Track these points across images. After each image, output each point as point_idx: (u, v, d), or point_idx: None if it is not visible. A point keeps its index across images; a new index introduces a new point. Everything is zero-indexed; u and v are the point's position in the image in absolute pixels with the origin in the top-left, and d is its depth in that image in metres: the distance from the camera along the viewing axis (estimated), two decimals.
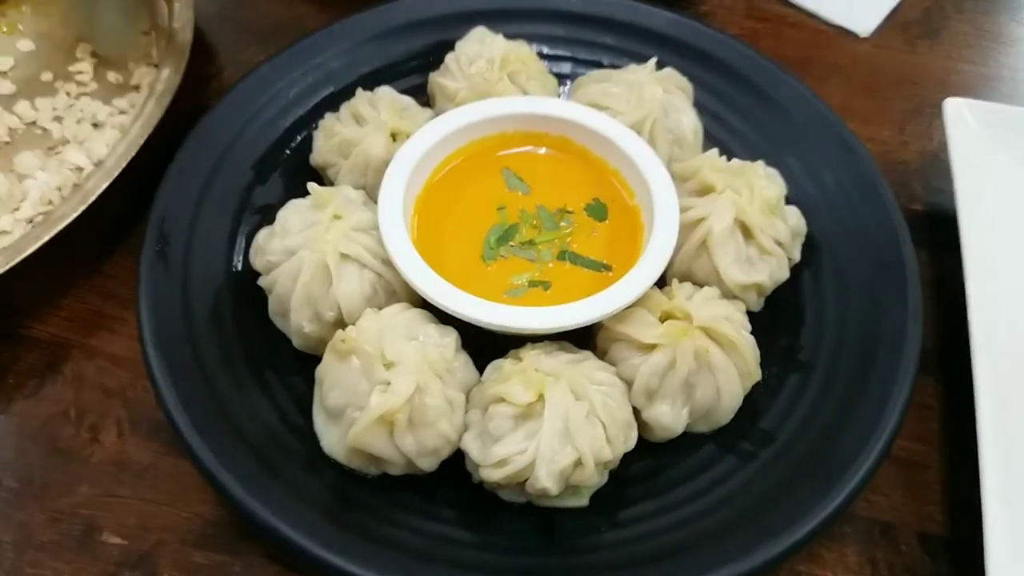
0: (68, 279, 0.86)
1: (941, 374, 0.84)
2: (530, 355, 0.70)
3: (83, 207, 0.82)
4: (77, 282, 0.86)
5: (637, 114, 0.83)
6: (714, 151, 0.81)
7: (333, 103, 0.88)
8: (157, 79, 0.92)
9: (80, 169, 0.90)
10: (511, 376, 0.68)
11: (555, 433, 0.65)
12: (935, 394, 0.82)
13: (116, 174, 0.84)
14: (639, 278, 0.73)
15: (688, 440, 0.73)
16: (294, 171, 0.87)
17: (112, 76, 1.01)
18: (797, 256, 0.81)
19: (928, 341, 0.85)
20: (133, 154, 0.85)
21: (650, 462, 0.73)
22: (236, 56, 1.07)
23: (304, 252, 0.72)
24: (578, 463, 0.65)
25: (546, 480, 0.65)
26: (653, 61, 0.87)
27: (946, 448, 0.79)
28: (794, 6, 1.13)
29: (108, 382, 0.80)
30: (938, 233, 0.92)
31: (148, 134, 0.87)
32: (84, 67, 1.01)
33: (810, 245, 0.83)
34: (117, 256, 0.88)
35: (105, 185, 0.83)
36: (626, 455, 0.70)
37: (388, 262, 0.74)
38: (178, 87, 0.91)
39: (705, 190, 0.79)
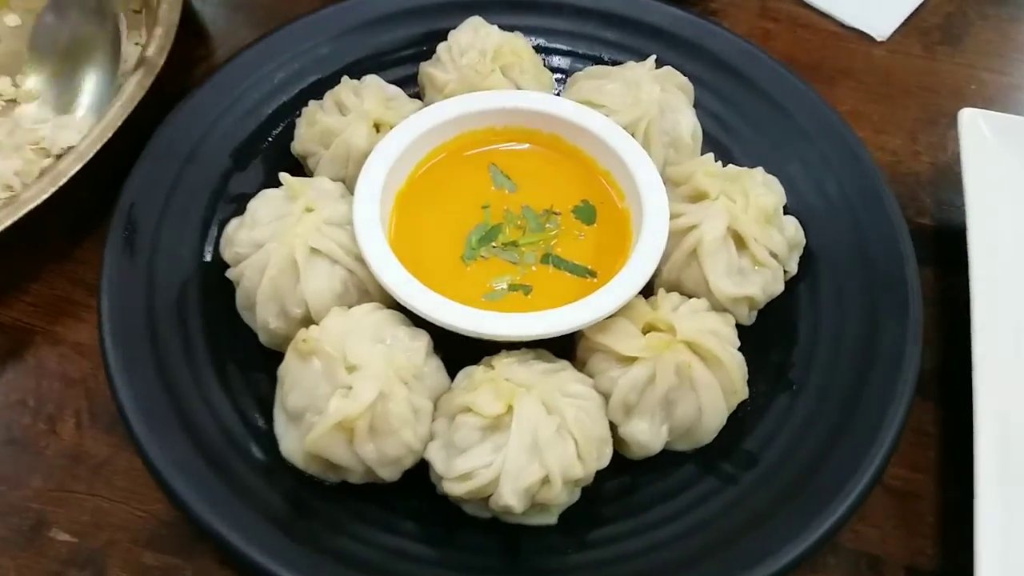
0: (37, 263, 0.84)
1: (942, 399, 0.79)
2: (502, 363, 0.66)
3: (53, 189, 0.79)
4: (47, 267, 0.84)
5: (632, 114, 0.80)
6: (709, 155, 0.77)
7: (319, 90, 0.85)
8: (141, 60, 0.89)
9: (45, 151, 0.87)
10: (480, 385, 0.64)
11: (522, 448, 0.62)
12: (934, 420, 0.78)
13: (89, 156, 0.81)
14: (622, 286, 0.70)
15: (667, 459, 0.70)
16: (275, 159, 0.84)
17: None
18: (794, 269, 0.77)
19: (930, 363, 0.81)
20: (108, 136, 0.82)
21: (625, 480, 0.69)
22: (228, 39, 1.04)
23: (272, 245, 0.69)
24: (545, 480, 0.62)
25: (510, 497, 0.61)
26: (652, 59, 0.84)
27: (943, 478, 0.75)
28: (809, 6, 1.08)
29: (70, 371, 0.78)
30: (946, 250, 0.87)
31: (126, 116, 0.84)
32: None
33: (808, 258, 0.79)
34: (89, 242, 0.85)
35: (78, 167, 0.80)
36: (600, 472, 0.67)
37: (361, 259, 0.70)
38: (161, 68, 0.89)
39: (698, 196, 0.75)
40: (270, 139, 0.86)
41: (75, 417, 0.75)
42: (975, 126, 0.87)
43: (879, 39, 1.06)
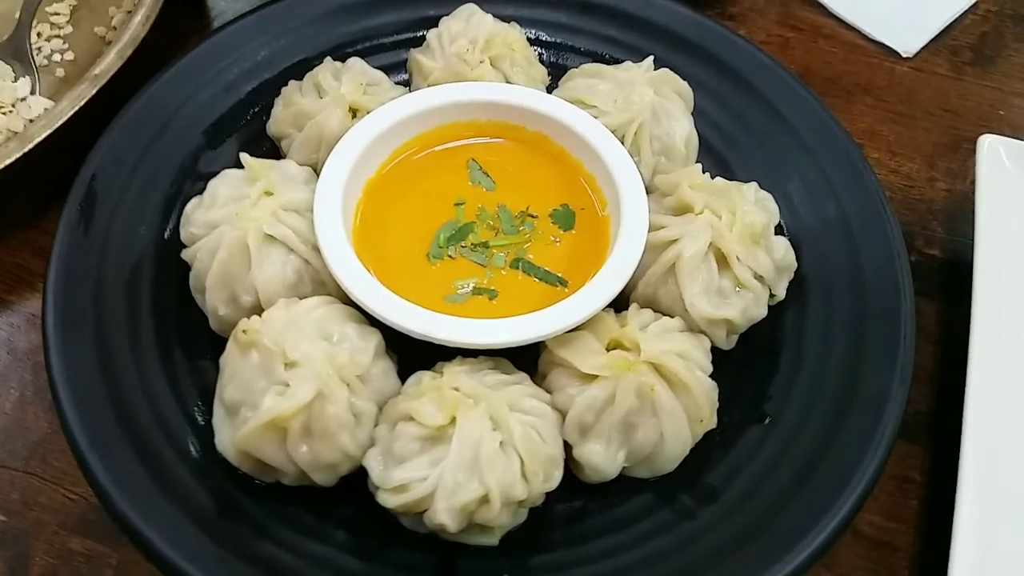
0: (3, 230, 0.82)
1: (932, 445, 0.75)
2: (452, 371, 0.63)
3: (18, 154, 0.77)
4: (12, 234, 0.82)
5: (622, 116, 0.76)
6: (697, 167, 0.73)
7: (303, 71, 0.82)
8: (125, 28, 0.87)
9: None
10: (425, 392, 0.61)
11: (461, 463, 0.58)
12: (921, 467, 0.74)
13: (58, 124, 0.79)
14: (590, 299, 0.66)
15: (623, 485, 0.66)
16: (250, 139, 0.82)
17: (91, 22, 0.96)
18: (781, 294, 0.73)
19: (923, 405, 0.77)
20: (80, 104, 0.80)
21: (577, 504, 0.66)
22: (226, 12, 1.02)
23: (224, 228, 0.67)
24: (484, 499, 0.59)
25: (444, 515, 0.58)
26: (649, 60, 0.80)
27: (925, 530, 0.71)
28: (833, 16, 1.03)
29: (20, 343, 0.76)
30: (953, 284, 0.82)
31: (102, 84, 0.82)
32: (62, 8, 0.97)
33: (799, 283, 0.74)
34: (55, 212, 0.82)
35: (46, 134, 0.79)
36: (552, 493, 0.63)
37: (319, 249, 0.67)
38: (148, 39, 0.87)
39: (682, 209, 0.71)
40: (248, 118, 0.83)
41: (19, 390, 0.74)
42: (995, 154, 0.82)
43: (905, 55, 1.00)
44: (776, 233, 0.73)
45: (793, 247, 0.74)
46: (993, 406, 0.69)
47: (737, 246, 0.68)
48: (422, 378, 0.64)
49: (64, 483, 0.69)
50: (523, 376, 0.66)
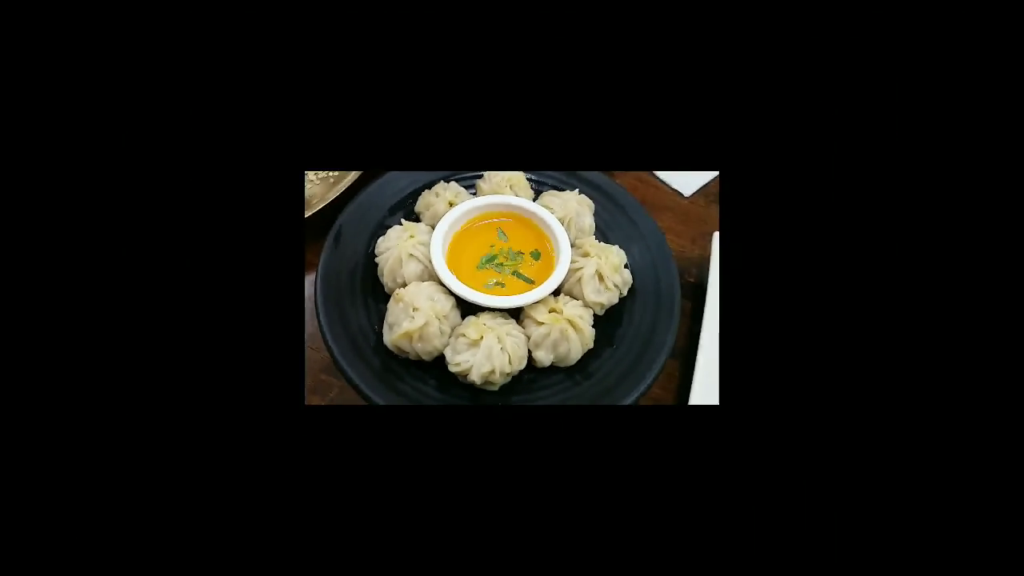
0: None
1: (683, 365, 0.73)
2: (484, 316, 0.62)
3: (311, 212, 0.77)
4: (307, 247, 0.81)
5: (563, 213, 0.74)
6: (592, 237, 0.71)
7: (431, 185, 0.80)
8: None
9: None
10: (470, 325, 0.60)
11: (484, 356, 0.58)
12: (676, 368, 0.72)
13: (328, 201, 0.78)
14: (544, 290, 0.65)
15: (552, 370, 0.65)
16: (408, 214, 0.79)
17: None
18: (624, 293, 0.71)
19: (680, 343, 0.75)
20: (338, 194, 0.79)
21: (532, 376, 0.64)
22: None
23: (393, 250, 0.66)
24: (492, 372, 0.58)
25: (475, 377, 0.58)
26: (577, 190, 0.78)
27: (678, 397, 0.69)
28: (656, 177, 1.01)
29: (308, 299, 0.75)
30: (699, 296, 0.80)
31: (347, 186, 0.81)
32: None
33: (632, 291, 0.72)
34: (323, 238, 0.81)
35: (323, 205, 0.78)
36: (521, 371, 0.62)
37: (431, 261, 0.66)
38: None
39: (585, 255, 0.69)
40: (407, 204, 0.81)
41: (308, 317, 0.73)
42: (718, 242, 0.79)
43: (686, 195, 0.98)
44: (625, 267, 0.72)
45: (632, 275, 0.72)
46: (712, 349, 0.67)
47: (608, 272, 0.67)
48: (470, 319, 0.63)
49: (321, 351, 0.69)
50: (513, 321, 0.65)
